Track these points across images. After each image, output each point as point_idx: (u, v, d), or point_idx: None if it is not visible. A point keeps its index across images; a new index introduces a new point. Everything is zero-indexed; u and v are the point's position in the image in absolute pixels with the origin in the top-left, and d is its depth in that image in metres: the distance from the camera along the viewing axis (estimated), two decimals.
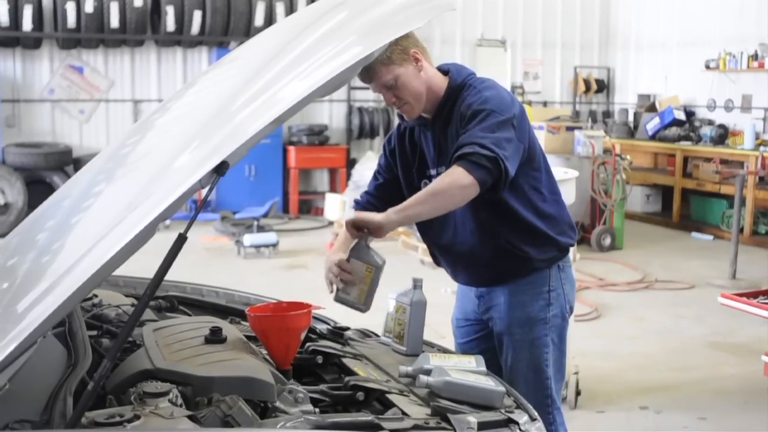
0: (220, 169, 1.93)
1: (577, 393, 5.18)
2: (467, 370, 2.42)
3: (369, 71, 2.86)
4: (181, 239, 1.94)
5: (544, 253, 3.04)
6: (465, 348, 3.23)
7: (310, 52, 2.25)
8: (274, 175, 12.39)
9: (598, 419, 5.11)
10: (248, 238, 9.56)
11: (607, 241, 10.16)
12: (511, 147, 2.79)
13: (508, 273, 3.05)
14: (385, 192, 3.19)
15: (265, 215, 10.73)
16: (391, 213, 2.72)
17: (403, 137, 3.14)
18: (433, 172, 3.04)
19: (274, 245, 9.61)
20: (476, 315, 3.19)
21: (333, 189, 12.75)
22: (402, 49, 2.88)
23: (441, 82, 3.00)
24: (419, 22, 2.29)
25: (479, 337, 3.21)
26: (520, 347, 3.04)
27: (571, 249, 3.19)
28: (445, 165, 2.92)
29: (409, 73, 2.91)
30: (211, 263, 9.14)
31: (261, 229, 10.14)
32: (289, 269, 9.08)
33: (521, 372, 3.04)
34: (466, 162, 2.72)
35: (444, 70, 3.04)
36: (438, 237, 3.11)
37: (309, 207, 12.77)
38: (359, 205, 3.22)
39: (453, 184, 2.72)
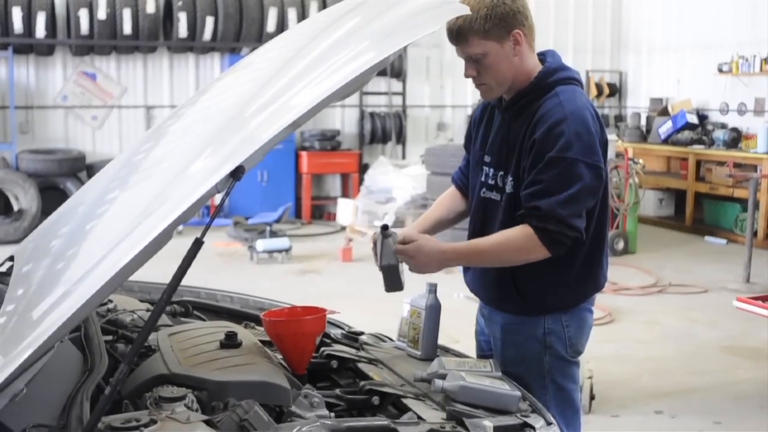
0: (237, 173, 1.93)
1: (592, 397, 5.17)
2: (482, 374, 2.42)
3: (460, 34, 2.63)
4: (198, 244, 1.94)
5: (541, 304, 2.78)
6: None
7: (324, 58, 2.25)
8: (286, 180, 12.40)
9: (612, 424, 5.09)
10: (261, 244, 9.58)
11: (620, 245, 10.12)
12: (589, 212, 2.64)
13: (501, 301, 2.84)
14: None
15: (278, 220, 10.74)
16: (451, 260, 2.69)
17: (486, 111, 2.91)
18: (487, 159, 2.83)
19: (287, 250, 9.62)
20: (487, 331, 2.98)
21: (345, 194, 12.75)
22: (505, 24, 2.61)
23: (532, 71, 2.73)
24: (433, 27, 2.28)
25: (491, 355, 2.90)
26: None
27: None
28: (493, 157, 2.78)
29: (501, 53, 2.64)
30: (224, 268, 9.15)
31: (274, 234, 10.15)
32: (301, 274, 9.08)
33: None
34: (550, 239, 2.56)
35: (540, 57, 2.79)
36: (471, 216, 2.95)
37: (321, 212, 12.77)
38: (454, 182, 3.08)
39: (528, 257, 2.61)
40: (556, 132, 2.58)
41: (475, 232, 2.88)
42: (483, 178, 2.84)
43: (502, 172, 2.76)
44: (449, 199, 3.10)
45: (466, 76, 2.73)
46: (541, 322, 2.77)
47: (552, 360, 2.78)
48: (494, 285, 2.83)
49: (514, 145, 2.71)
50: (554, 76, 2.73)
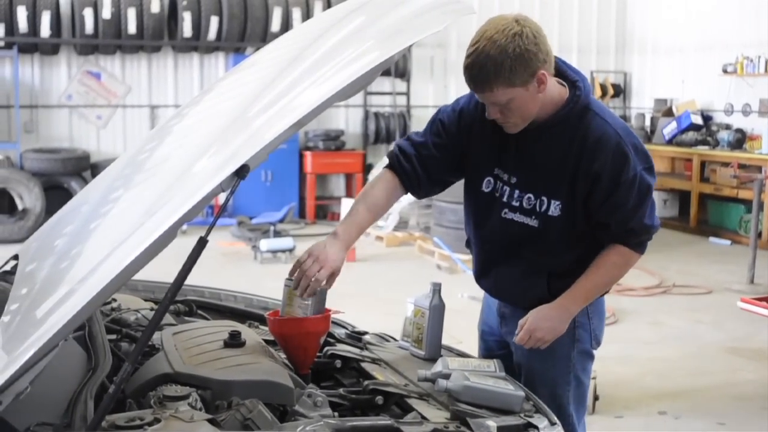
0: (241, 172, 1.93)
1: (595, 398, 5.16)
2: (486, 374, 2.42)
3: (485, 84, 2.51)
4: (202, 243, 1.94)
5: None
6: None
7: (328, 57, 2.26)
8: (290, 180, 12.40)
9: (616, 424, 5.09)
10: (265, 243, 9.56)
11: None
12: None
13: (533, 304, 2.77)
14: (435, 169, 2.82)
15: (282, 220, 10.73)
16: (573, 311, 2.74)
17: (484, 122, 2.72)
18: (497, 171, 2.75)
19: (291, 250, 9.60)
20: (500, 331, 2.96)
21: (349, 194, 12.74)
22: (529, 69, 2.49)
23: (557, 97, 2.66)
24: (438, 26, 2.28)
25: (501, 355, 2.81)
26: (539, 383, 2.73)
27: None
28: (522, 179, 2.71)
29: (526, 96, 2.54)
30: (228, 268, 9.15)
31: (277, 234, 10.14)
32: None
33: None
34: (643, 246, 2.77)
35: (571, 79, 2.70)
36: (486, 234, 2.86)
37: (325, 212, 12.77)
38: (398, 169, 2.79)
39: (628, 269, 2.80)
40: (619, 155, 2.62)
41: (497, 250, 2.85)
42: (504, 198, 2.75)
43: (530, 195, 2.70)
44: (384, 196, 2.82)
45: (489, 117, 2.63)
46: None
47: (577, 355, 2.83)
48: (526, 291, 2.81)
49: (562, 170, 2.65)
50: (588, 99, 2.69)
